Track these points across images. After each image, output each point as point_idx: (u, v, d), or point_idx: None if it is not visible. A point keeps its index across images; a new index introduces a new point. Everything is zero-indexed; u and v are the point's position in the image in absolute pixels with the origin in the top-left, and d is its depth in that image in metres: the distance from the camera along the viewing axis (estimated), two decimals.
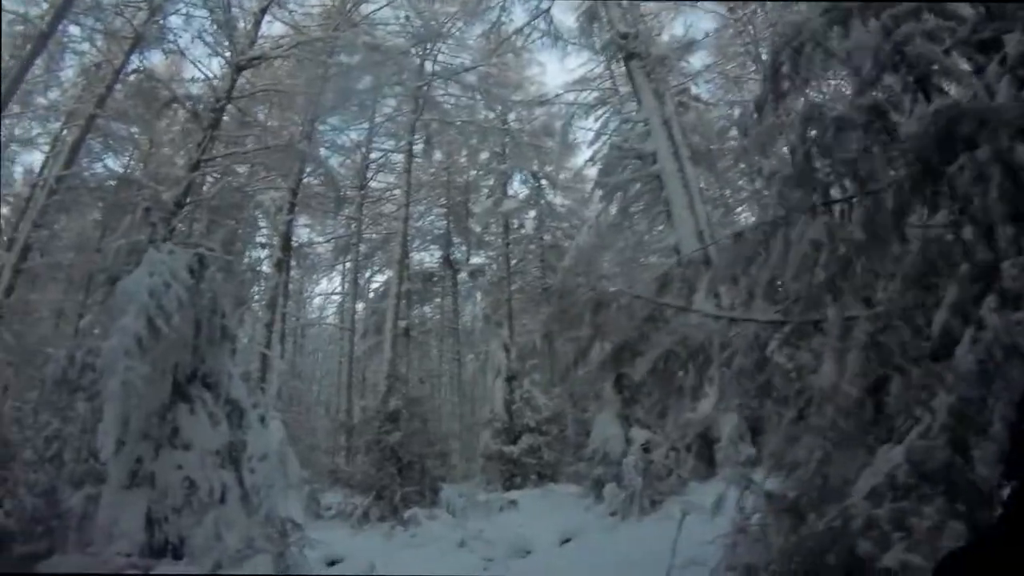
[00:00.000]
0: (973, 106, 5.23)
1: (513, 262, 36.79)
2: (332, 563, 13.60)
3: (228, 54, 25.07)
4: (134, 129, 26.86)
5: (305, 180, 30.34)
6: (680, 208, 18.74)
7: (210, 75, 25.56)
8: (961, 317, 4.96)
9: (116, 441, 9.10)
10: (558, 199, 37.61)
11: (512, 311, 34.36)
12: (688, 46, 28.59)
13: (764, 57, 30.03)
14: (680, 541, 11.49)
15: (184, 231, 24.76)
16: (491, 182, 38.08)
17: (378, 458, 19.47)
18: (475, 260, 38.30)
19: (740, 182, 31.38)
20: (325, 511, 19.62)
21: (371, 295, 37.76)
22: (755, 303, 6.73)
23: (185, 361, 10.08)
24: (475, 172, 39.32)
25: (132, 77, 25.10)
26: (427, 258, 38.91)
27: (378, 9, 29.22)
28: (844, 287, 5.65)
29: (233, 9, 25.01)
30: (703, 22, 40.72)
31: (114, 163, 27.68)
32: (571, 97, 31.96)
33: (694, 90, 30.87)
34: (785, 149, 6.53)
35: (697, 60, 31.56)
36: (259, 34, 26.30)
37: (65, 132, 25.16)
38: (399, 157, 34.58)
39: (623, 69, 31.45)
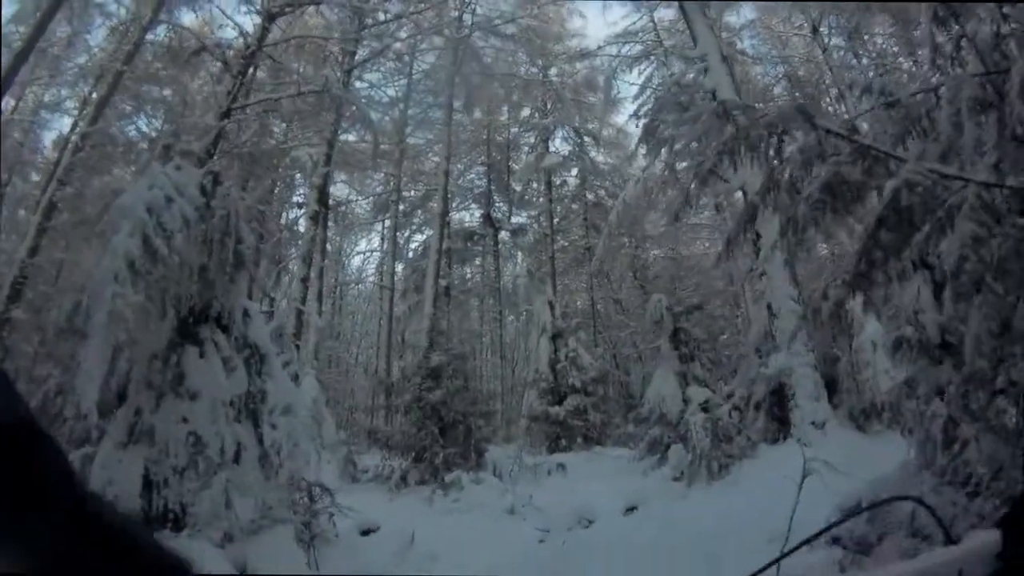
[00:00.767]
0: None
1: (555, 220, 35.08)
2: (366, 532, 11.64)
3: (259, 1, 23.16)
4: (166, 92, 25.36)
5: (342, 137, 28.59)
6: None
7: (241, 27, 23.61)
8: None
9: (101, 387, 7.20)
10: (601, 157, 36.16)
11: (555, 269, 32.91)
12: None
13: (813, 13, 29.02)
14: (752, 511, 9.74)
15: None
16: (532, 139, 36.53)
17: (419, 417, 17.66)
18: (516, 219, 37.02)
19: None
20: (362, 474, 17.94)
21: (410, 255, 36.32)
22: None
23: (192, 294, 8.14)
24: (516, 129, 37.69)
25: (161, 35, 23.40)
26: (467, 217, 37.69)
27: None
28: None
29: None
30: None
31: (145, 126, 26.23)
32: (614, 51, 30.05)
33: (738, 45, 29.36)
34: None
35: (740, 16, 30.13)
36: None
37: (93, 94, 23.82)
38: (438, 114, 32.75)
39: (667, 21, 30.02)
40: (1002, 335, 5.20)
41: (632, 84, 29.49)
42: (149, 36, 22.86)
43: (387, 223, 35.84)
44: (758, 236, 15.64)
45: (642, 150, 21.99)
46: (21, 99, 24.18)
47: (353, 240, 40.62)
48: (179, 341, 8.14)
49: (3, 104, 21.60)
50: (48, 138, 25.83)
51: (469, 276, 38.57)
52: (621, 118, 34.14)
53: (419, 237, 36.92)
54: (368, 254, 40.47)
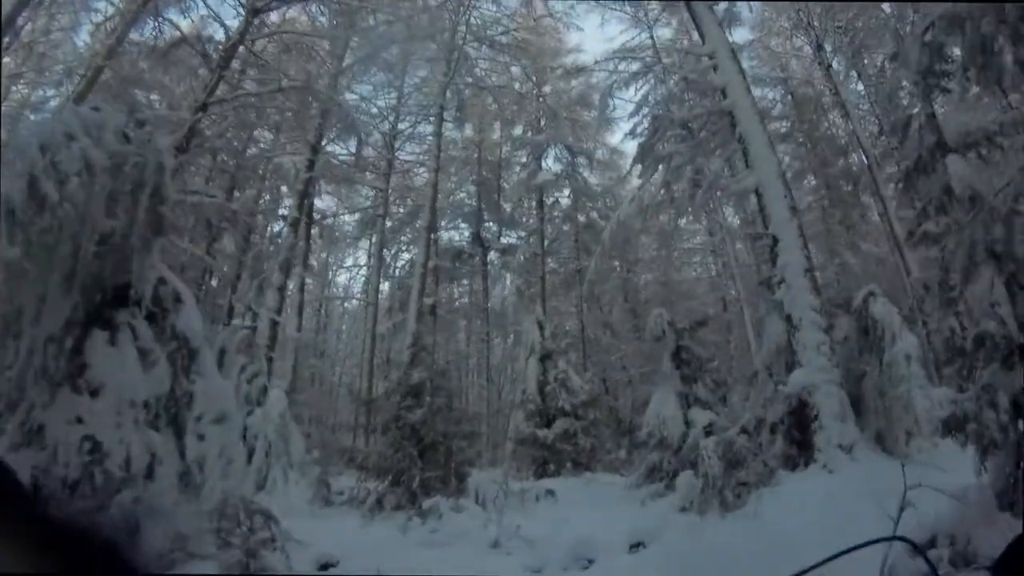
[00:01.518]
0: None
1: (547, 242, 33.51)
2: (325, 567, 9.53)
3: None
4: (151, 95, 23.60)
5: (329, 148, 27.10)
6: (759, 145, 14.90)
7: (223, 21, 22.12)
8: None
9: None
10: (594, 178, 34.76)
11: (545, 290, 31.60)
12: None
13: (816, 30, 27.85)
14: (777, 548, 7.90)
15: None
16: (524, 159, 34.91)
17: (397, 437, 15.84)
18: (506, 239, 35.25)
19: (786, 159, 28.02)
20: (337, 496, 16.21)
21: (397, 273, 34.73)
22: None
23: (104, 267, 6.18)
24: (508, 148, 36.37)
25: (146, 34, 21.88)
26: (456, 236, 36.10)
27: None
28: None
29: None
30: None
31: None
32: (611, 67, 28.42)
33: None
34: None
35: (739, 36, 28.48)
36: None
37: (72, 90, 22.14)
38: (428, 128, 31.18)
39: (665, 39, 28.72)
40: None
41: (629, 102, 28.01)
42: (134, 34, 21.55)
43: (373, 239, 33.89)
44: (775, 241, 13.83)
45: (637, 170, 20.51)
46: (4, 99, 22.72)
47: (340, 256, 38.96)
48: (82, 322, 6.17)
49: None
50: None
51: (457, 296, 37.23)
52: (615, 138, 33.14)
53: (406, 255, 35.29)
54: (355, 271, 38.71)
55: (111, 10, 21.75)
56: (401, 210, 34.33)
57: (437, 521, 12.74)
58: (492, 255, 34.82)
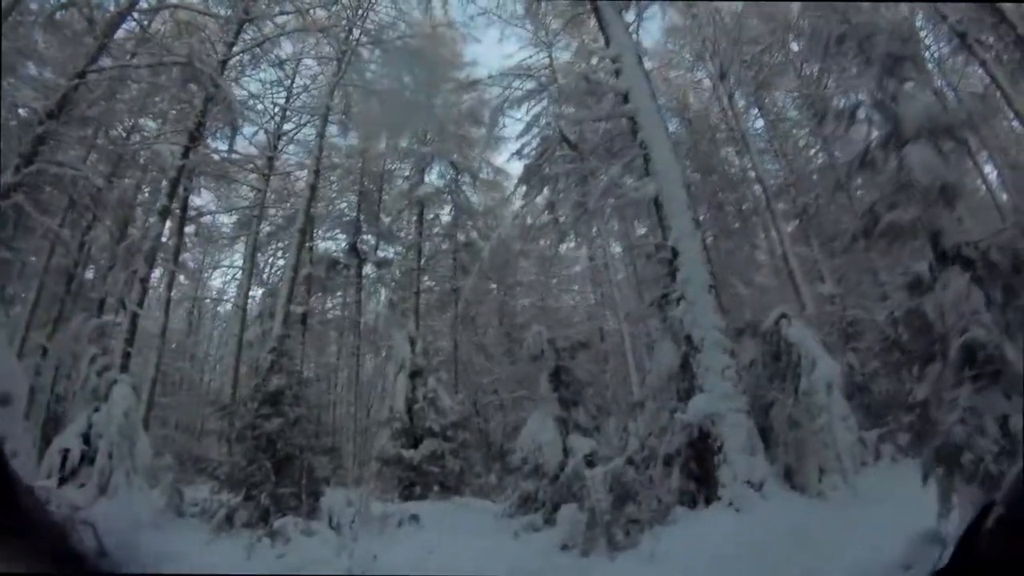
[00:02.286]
0: None
1: (424, 258, 32.06)
2: None
3: None
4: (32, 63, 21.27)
5: (210, 141, 25.25)
6: (662, 151, 13.61)
7: None
8: None
9: None
10: (476, 197, 33.70)
11: (419, 307, 30.21)
12: None
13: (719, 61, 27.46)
14: None
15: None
16: (408, 171, 33.66)
17: (251, 448, 14.03)
18: (383, 252, 33.61)
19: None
20: (191, 507, 14.27)
21: (270, 280, 32.56)
22: None
23: None
24: (391, 160, 34.90)
25: None
26: (333, 246, 34.01)
27: None
28: None
29: None
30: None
31: None
32: (505, 83, 27.26)
33: None
34: None
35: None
36: None
37: None
38: (313, 131, 29.05)
39: (563, 61, 27.70)
40: None
41: (519, 120, 27.43)
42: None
43: (249, 239, 31.70)
44: (675, 254, 12.48)
45: (521, 191, 19.28)
46: None
47: (216, 258, 36.35)
48: None
49: None
50: None
51: (330, 307, 35.32)
52: (501, 158, 31.81)
53: (281, 262, 32.62)
54: (229, 272, 36.20)
55: None
56: (279, 214, 32.23)
57: (285, 545, 10.94)
58: (368, 268, 33.05)
